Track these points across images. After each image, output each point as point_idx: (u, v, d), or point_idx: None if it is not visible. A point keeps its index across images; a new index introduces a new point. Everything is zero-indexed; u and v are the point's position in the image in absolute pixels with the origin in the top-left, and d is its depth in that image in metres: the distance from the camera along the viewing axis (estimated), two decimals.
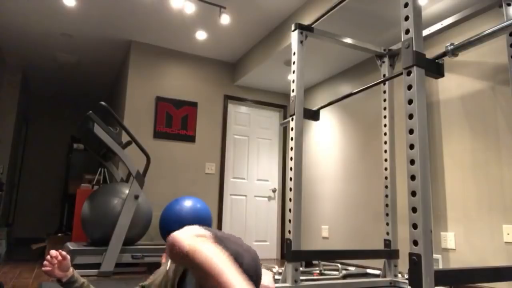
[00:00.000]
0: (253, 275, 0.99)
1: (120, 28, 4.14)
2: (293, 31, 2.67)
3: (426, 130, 1.64)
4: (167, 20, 3.93)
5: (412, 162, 1.61)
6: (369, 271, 3.38)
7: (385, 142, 3.05)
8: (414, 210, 1.57)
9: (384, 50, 3.17)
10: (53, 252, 1.62)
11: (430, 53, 3.16)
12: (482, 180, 2.71)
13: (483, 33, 1.99)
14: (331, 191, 4.28)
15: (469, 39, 2.05)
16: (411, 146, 1.63)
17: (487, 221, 2.64)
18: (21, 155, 6.47)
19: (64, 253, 1.63)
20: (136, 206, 3.23)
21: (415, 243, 1.54)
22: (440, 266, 2.90)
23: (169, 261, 1.89)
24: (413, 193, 1.58)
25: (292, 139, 2.53)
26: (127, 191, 3.28)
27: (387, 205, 2.94)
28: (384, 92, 3.15)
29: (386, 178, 2.99)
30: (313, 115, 2.83)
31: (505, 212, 2.54)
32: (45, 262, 1.59)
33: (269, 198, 5.01)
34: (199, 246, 0.85)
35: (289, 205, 2.45)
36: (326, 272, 3.30)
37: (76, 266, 2.99)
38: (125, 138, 4.07)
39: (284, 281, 2.36)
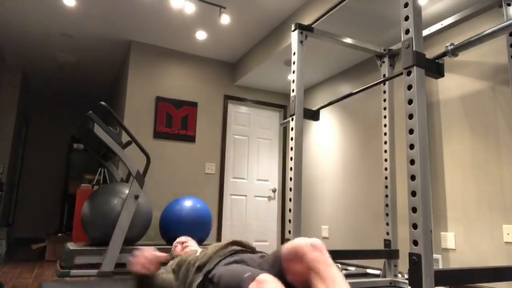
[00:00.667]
0: None
1: (120, 28, 4.14)
2: (293, 31, 2.67)
3: (426, 130, 1.64)
4: (167, 20, 3.93)
5: (412, 162, 1.61)
6: (369, 271, 3.38)
7: (385, 142, 3.05)
8: (414, 210, 1.57)
9: (384, 50, 3.17)
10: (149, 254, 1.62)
11: (430, 53, 3.16)
12: (482, 180, 2.71)
13: (483, 33, 1.99)
14: (331, 191, 4.28)
15: (469, 39, 2.04)
16: (411, 146, 1.63)
17: (487, 221, 2.64)
18: (21, 155, 6.47)
19: (159, 253, 1.65)
20: (136, 206, 3.23)
21: (415, 243, 1.53)
22: (440, 266, 2.90)
23: (198, 247, 1.97)
24: (413, 193, 1.58)
25: (292, 139, 2.53)
26: (127, 191, 3.28)
27: (387, 205, 2.94)
28: (384, 92, 3.15)
29: (386, 178, 2.99)
30: (313, 115, 2.83)
31: (505, 212, 2.54)
32: (142, 261, 1.59)
33: (269, 198, 5.01)
34: (329, 258, 1.24)
35: (289, 205, 2.45)
36: None
37: (76, 266, 3.00)
38: (125, 138, 4.08)
39: None
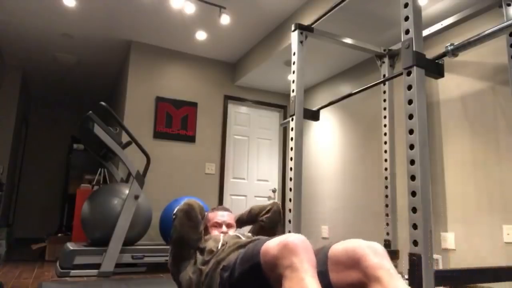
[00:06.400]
0: None
1: (120, 28, 4.14)
2: (293, 31, 2.67)
3: (426, 130, 1.65)
4: (167, 20, 3.93)
5: (412, 162, 1.61)
6: None
7: (385, 142, 3.06)
8: (414, 210, 1.57)
9: (384, 50, 3.17)
10: None
11: (430, 53, 3.16)
12: (482, 180, 2.71)
13: (483, 33, 1.99)
14: (331, 191, 4.28)
15: (469, 39, 2.04)
16: (411, 146, 1.63)
17: (487, 221, 2.64)
18: (21, 155, 6.47)
19: None
20: (136, 206, 3.23)
21: (415, 243, 1.53)
22: (440, 266, 2.90)
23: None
24: (413, 193, 1.58)
25: (292, 139, 2.53)
26: (127, 191, 3.28)
27: (387, 206, 2.94)
28: (384, 92, 3.15)
29: (386, 178, 2.99)
30: (313, 115, 2.83)
31: (505, 212, 2.54)
32: None
33: (269, 198, 5.01)
34: (393, 267, 1.09)
35: (289, 205, 2.45)
36: None
37: (76, 266, 3.00)
38: (125, 138, 4.08)
39: None
